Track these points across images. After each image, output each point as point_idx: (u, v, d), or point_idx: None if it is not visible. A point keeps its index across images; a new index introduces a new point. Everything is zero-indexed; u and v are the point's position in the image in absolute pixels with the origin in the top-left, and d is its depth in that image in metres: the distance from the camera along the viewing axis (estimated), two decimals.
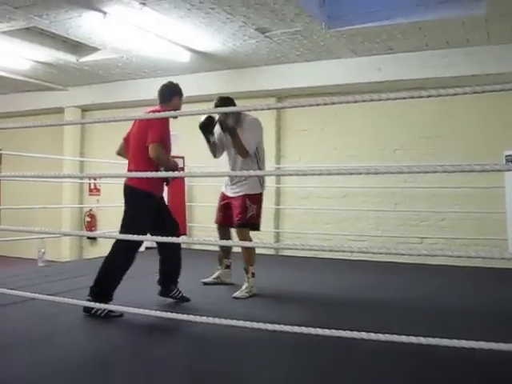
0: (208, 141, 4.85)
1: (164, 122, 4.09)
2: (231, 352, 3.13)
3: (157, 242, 4.38)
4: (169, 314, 3.09)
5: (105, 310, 3.67)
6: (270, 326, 2.42)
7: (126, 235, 3.63)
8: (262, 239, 7.29)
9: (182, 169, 4.28)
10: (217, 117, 4.64)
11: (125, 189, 4.16)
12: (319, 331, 2.23)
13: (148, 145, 3.95)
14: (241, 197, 4.72)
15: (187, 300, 4.38)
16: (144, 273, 4.84)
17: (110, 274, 3.93)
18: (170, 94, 4.27)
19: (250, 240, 4.79)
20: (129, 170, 4.23)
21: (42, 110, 10.26)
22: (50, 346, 3.22)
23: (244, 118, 4.71)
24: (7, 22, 6.06)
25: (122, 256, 3.94)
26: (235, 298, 4.52)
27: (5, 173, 7.18)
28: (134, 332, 3.58)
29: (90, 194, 10.39)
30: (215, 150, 4.96)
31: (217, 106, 4.66)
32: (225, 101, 4.71)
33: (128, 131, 4.33)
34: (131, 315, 3.44)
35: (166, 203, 4.58)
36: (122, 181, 6.20)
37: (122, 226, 4.04)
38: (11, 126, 7.03)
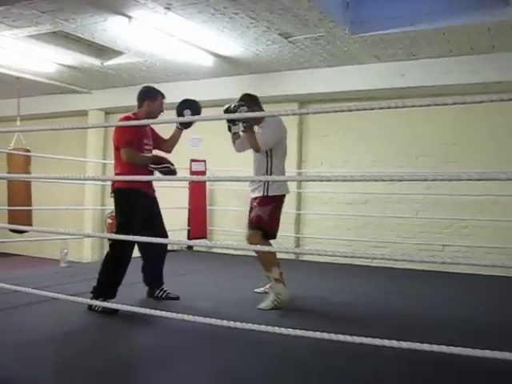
0: (229, 130, 4.56)
1: (128, 127, 4.26)
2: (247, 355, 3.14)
3: (139, 244, 4.36)
4: (164, 312, 3.10)
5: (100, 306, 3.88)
6: (287, 331, 2.42)
7: (121, 235, 3.88)
8: (282, 244, 7.29)
9: (166, 163, 4.32)
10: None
11: (113, 192, 4.41)
12: (341, 337, 2.22)
13: (119, 150, 4.21)
14: (253, 199, 4.57)
15: (175, 298, 4.49)
16: (169, 274, 4.85)
17: (109, 272, 4.13)
18: (141, 99, 4.46)
19: (261, 244, 4.23)
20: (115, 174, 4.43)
21: (66, 113, 10.40)
22: (71, 345, 3.26)
23: (266, 119, 4.51)
24: (34, 26, 6.17)
25: (118, 254, 4.13)
26: (259, 309, 4.21)
27: (28, 174, 7.26)
28: (154, 332, 3.60)
29: (111, 196, 10.47)
30: (236, 142, 4.73)
31: (240, 101, 4.41)
32: (248, 98, 4.53)
33: None
34: (154, 317, 3.46)
35: (160, 208, 4.61)
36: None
37: (116, 227, 4.26)
38: (36, 129, 7.14)
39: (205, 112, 4.51)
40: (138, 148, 4.28)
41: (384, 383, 2.80)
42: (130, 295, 4.35)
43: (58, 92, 9.96)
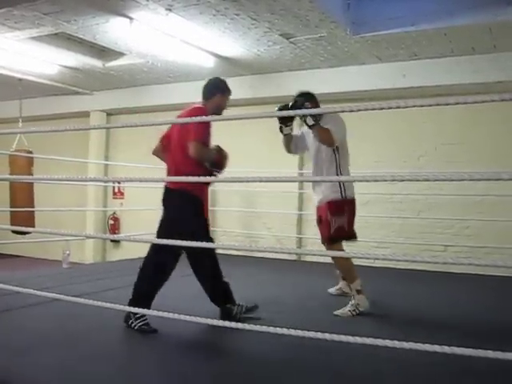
0: (281, 131, 4.37)
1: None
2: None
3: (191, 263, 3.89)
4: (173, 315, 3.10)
5: (139, 322, 3.55)
6: (288, 331, 2.42)
7: (161, 240, 3.25)
8: (284, 245, 7.28)
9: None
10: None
11: (169, 193, 3.84)
12: (342, 338, 2.22)
13: (189, 142, 3.63)
14: (322, 206, 4.36)
15: (253, 309, 3.99)
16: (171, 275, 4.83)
17: (145, 283, 3.73)
18: (212, 91, 3.95)
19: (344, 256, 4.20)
20: (170, 173, 3.89)
21: (68, 114, 10.41)
22: (72, 347, 3.26)
23: (325, 116, 4.23)
24: (36, 28, 6.18)
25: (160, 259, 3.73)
26: (336, 315, 4.16)
27: (30, 176, 7.28)
28: (158, 334, 3.59)
29: (113, 198, 10.51)
30: (289, 143, 4.53)
31: (296, 99, 4.12)
32: (305, 95, 4.27)
33: (165, 131, 4.03)
34: (155, 318, 3.45)
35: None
36: (145, 185, 6.16)
37: (164, 233, 3.66)
38: (38, 130, 7.12)
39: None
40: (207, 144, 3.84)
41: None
42: None
43: (60, 93, 9.97)
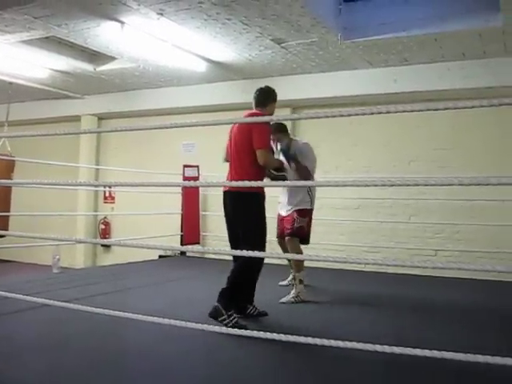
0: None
1: (268, 126, 4.08)
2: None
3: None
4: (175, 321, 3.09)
5: (233, 319, 3.67)
6: (279, 336, 2.41)
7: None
8: (275, 249, 7.29)
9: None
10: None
11: (234, 197, 4.03)
12: (333, 342, 2.22)
13: (256, 150, 3.87)
14: (291, 212, 5.00)
15: (264, 314, 4.15)
16: (162, 280, 4.84)
17: (240, 283, 3.90)
18: (269, 98, 4.27)
19: (299, 249, 4.86)
20: (232, 177, 4.09)
21: (58, 118, 10.37)
22: (62, 352, 3.24)
23: (295, 143, 5.01)
24: (27, 32, 6.15)
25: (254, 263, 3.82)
26: (281, 303, 4.69)
27: (20, 180, 7.22)
28: (147, 338, 3.57)
29: (104, 202, 10.46)
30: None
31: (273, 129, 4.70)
32: (279, 126, 4.98)
33: (229, 137, 4.23)
34: (146, 323, 3.43)
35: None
36: (136, 189, 6.13)
37: (249, 236, 3.88)
38: (28, 134, 7.10)
39: (197, 117, 4.51)
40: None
41: None
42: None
43: (51, 97, 9.93)
